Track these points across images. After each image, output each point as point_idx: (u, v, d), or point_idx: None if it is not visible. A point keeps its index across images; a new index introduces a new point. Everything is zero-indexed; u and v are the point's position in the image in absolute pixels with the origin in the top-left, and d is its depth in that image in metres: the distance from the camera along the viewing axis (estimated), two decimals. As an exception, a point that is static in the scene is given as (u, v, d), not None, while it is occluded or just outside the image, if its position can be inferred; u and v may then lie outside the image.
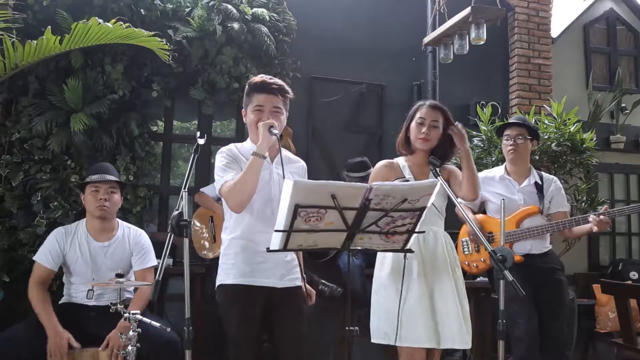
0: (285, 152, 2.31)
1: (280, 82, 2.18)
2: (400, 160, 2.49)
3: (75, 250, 2.67)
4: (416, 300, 2.22)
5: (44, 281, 2.64)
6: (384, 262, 2.36)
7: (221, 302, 2.13)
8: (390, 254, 2.32)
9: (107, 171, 2.78)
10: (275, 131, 2.02)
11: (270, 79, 2.17)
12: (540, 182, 3.00)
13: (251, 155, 2.01)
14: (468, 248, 3.12)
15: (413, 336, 2.19)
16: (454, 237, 2.79)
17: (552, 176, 3.12)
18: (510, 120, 3.11)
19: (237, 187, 2.00)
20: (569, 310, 2.88)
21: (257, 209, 2.10)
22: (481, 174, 3.11)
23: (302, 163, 2.36)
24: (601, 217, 2.75)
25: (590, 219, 2.81)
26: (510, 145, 2.96)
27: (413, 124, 2.42)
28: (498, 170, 3.10)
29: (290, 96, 2.21)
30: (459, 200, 2.32)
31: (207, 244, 3.72)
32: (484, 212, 3.15)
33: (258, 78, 2.17)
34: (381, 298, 2.32)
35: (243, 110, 2.23)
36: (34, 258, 2.68)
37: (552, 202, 2.99)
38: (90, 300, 2.64)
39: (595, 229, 2.79)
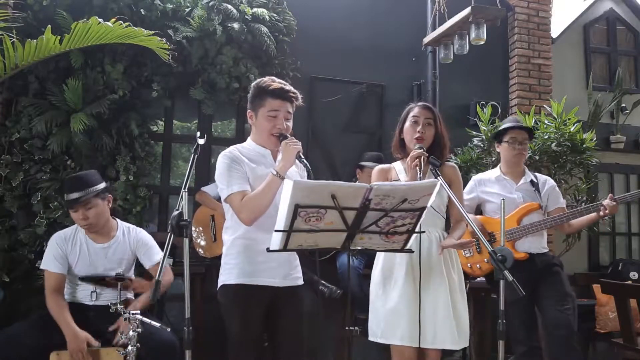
0: None
1: (294, 89, 2.18)
2: (397, 165, 2.48)
3: (75, 252, 2.66)
4: (401, 298, 2.22)
5: (58, 288, 2.61)
6: (377, 261, 2.37)
7: (224, 302, 2.13)
8: (382, 253, 2.32)
9: (81, 186, 2.59)
10: (303, 158, 2.07)
11: (285, 85, 2.16)
12: (535, 180, 3.07)
13: (271, 173, 2.02)
14: (469, 250, 3.12)
15: (396, 334, 2.20)
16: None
17: (545, 176, 3.20)
18: (515, 124, 3.10)
19: (252, 203, 2.02)
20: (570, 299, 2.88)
21: None
22: (476, 177, 3.20)
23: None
24: (614, 202, 2.84)
25: (604, 203, 2.87)
26: (518, 148, 3.01)
27: (407, 125, 2.41)
28: (493, 172, 3.15)
29: (299, 103, 2.21)
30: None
31: (201, 251, 3.72)
32: (480, 214, 3.15)
33: (275, 83, 2.15)
34: (372, 296, 2.35)
35: (250, 111, 2.21)
36: (42, 267, 2.64)
37: (549, 200, 3.05)
38: (91, 300, 2.65)
39: (602, 214, 2.87)
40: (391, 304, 2.24)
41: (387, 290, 2.28)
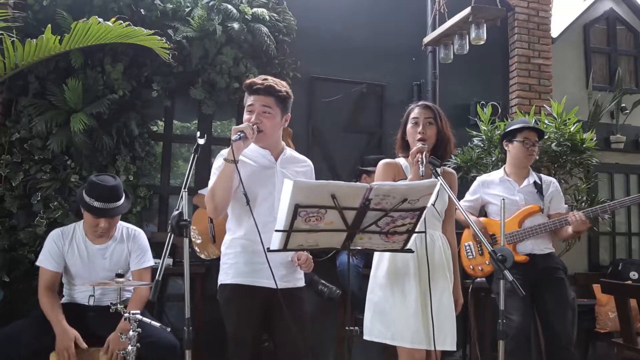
0: (290, 151, 2.31)
1: (270, 82, 2.15)
2: (402, 161, 2.47)
3: (73, 252, 2.66)
4: (412, 301, 2.22)
5: (52, 285, 2.61)
6: (381, 262, 2.36)
7: (222, 301, 2.14)
8: (387, 254, 2.32)
9: (112, 197, 2.59)
10: (236, 137, 1.98)
11: (261, 79, 2.15)
12: (539, 182, 3.05)
13: (222, 160, 2.03)
14: (472, 252, 3.12)
15: (408, 337, 2.19)
16: (457, 238, 2.77)
17: (550, 178, 3.16)
18: (530, 125, 3.10)
19: (210, 194, 2.04)
20: (570, 309, 2.89)
21: (260, 209, 2.10)
22: (480, 178, 3.19)
23: (309, 162, 2.36)
24: (579, 216, 2.82)
25: (569, 218, 2.85)
26: (531, 149, 3.01)
27: (409, 127, 2.41)
28: (497, 174, 3.14)
29: (283, 94, 2.16)
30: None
31: (197, 248, 3.71)
32: (485, 216, 3.15)
33: (250, 79, 2.18)
34: (376, 297, 2.32)
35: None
36: (37, 264, 2.65)
37: (551, 203, 3.04)
38: (89, 303, 2.64)
39: (575, 229, 2.85)
40: (403, 307, 2.22)
41: (396, 293, 2.26)
